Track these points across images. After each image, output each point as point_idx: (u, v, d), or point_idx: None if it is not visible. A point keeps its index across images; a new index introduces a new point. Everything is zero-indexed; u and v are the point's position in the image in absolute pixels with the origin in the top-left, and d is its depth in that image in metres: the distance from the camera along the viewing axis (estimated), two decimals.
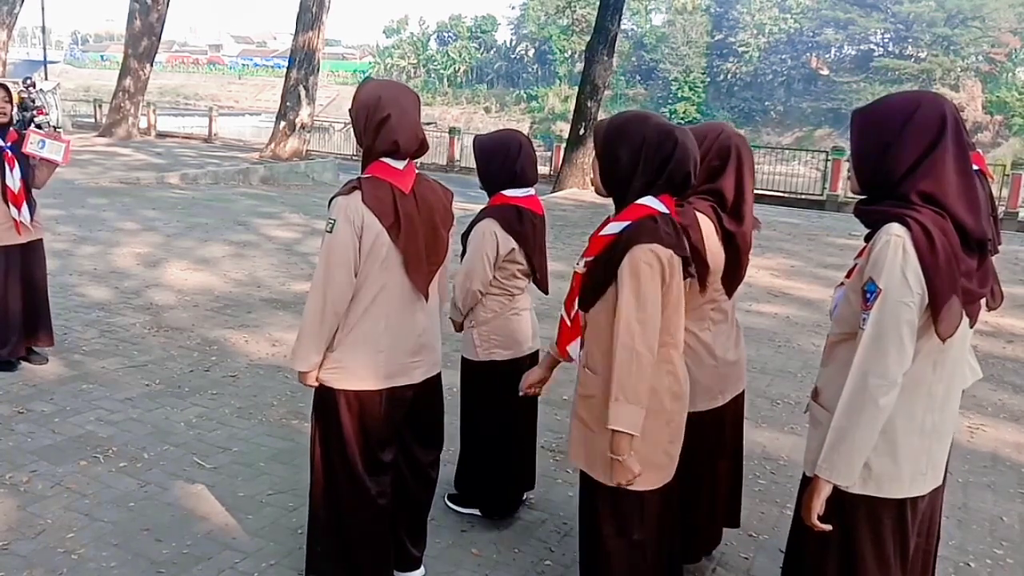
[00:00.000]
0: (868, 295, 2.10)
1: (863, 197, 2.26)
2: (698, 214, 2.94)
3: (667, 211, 2.52)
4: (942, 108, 2.11)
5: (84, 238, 9.84)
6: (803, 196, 17.56)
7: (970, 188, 2.11)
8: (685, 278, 2.57)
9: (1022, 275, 10.14)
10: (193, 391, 5.22)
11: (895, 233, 2.06)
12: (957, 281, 2.06)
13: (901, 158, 2.11)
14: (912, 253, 2.04)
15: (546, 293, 3.76)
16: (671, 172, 2.49)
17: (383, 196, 2.79)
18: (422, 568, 3.27)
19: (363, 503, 2.95)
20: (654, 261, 2.42)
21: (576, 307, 2.69)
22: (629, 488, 2.54)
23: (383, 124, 2.77)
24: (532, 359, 3.67)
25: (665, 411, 2.56)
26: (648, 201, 2.51)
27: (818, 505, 2.20)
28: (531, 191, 3.59)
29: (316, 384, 2.91)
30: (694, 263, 2.83)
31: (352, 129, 2.91)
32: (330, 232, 2.76)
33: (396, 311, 2.89)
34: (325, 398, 2.93)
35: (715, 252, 2.98)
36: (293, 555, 3.39)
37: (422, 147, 2.88)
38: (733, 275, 3.09)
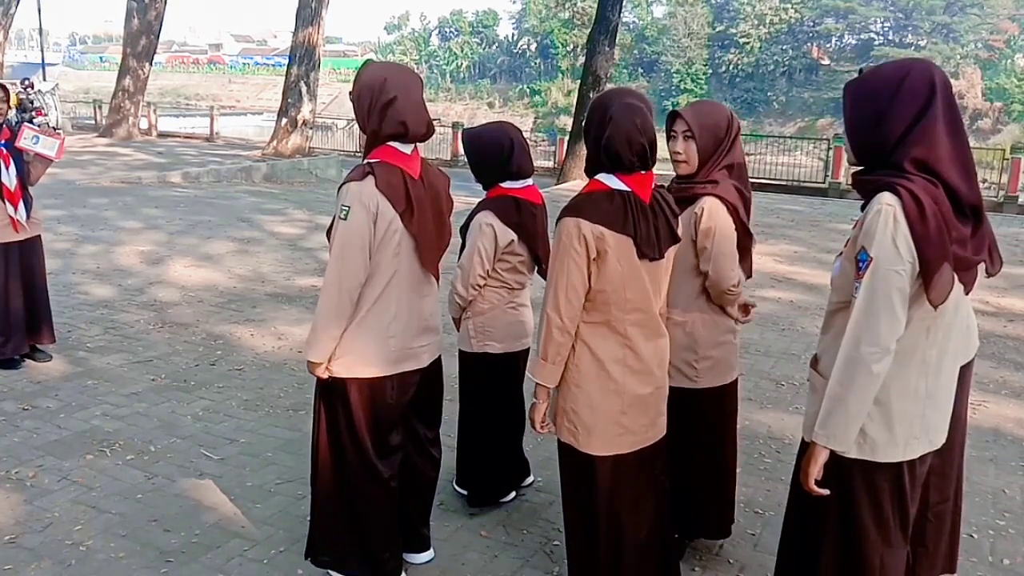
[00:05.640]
0: (860, 264, 2.12)
1: (860, 168, 2.26)
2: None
3: (624, 188, 2.52)
4: (931, 74, 2.11)
5: (86, 237, 9.83)
6: (806, 184, 17.50)
7: (963, 153, 2.11)
8: (642, 258, 2.53)
9: (1023, 256, 10.14)
10: (199, 385, 5.23)
11: (886, 202, 2.07)
12: (948, 248, 2.06)
13: (893, 126, 2.12)
14: (903, 221, 2.04)
15: None
16: (604, 148, 2.52)
17: (395, 182, 2.75)
18: (431, 550, 3.28)
19: (376, 487, 2.95)
20: (573, 234, 2.49)
21: None
22: (578, 448, 2.65)
23: (389, 106, 2.72)
24: (527, 356, 3.67)
25: (613, 380, 2.61)
26: (602, 177, 2.56)
27: (815, 470, 2.22)
28: (529, 182, 3.56)
29: (327, 376, 2.87)
30: (741, 236, 2.97)
31: (355, 113, 2.83)
32: (345, 219, 2.70)
33: (406, 297, 2.88)
34: (334, 387, 2.89)
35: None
36: (302, 542, 3.37)
37: (429, 130, 2.83)
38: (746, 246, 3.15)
